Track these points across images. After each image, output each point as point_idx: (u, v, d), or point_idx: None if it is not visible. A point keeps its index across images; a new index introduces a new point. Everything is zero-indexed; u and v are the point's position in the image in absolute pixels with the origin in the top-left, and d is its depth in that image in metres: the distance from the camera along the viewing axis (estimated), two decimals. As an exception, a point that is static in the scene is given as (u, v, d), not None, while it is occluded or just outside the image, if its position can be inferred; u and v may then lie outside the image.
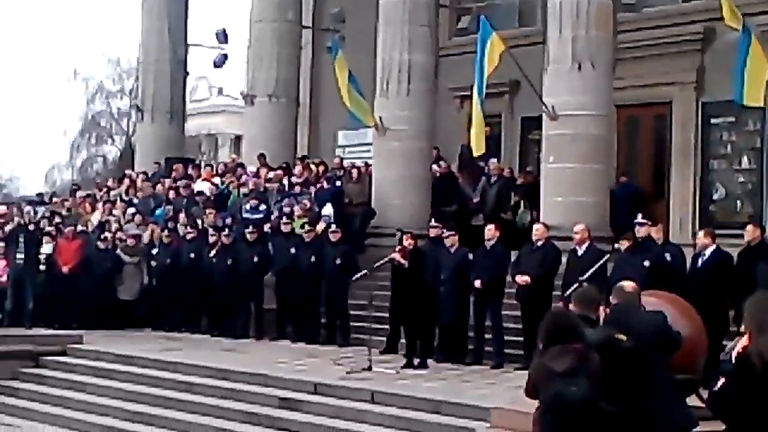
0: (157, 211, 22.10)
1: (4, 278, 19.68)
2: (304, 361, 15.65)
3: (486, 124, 18.31)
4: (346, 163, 22.59)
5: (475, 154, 18.74)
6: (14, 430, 14.58)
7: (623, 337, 7.16)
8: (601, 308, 7.70)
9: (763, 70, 15.41)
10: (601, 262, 14.02)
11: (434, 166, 21.22)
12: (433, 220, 17.64)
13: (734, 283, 13.10)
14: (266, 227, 19.58)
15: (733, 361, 6.44)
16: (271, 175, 21.71)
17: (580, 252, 14.80)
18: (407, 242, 15.37)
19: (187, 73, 28.70)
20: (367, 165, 21.62)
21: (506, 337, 15.20)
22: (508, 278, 15.38)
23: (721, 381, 6.37)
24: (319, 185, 21.16)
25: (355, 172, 21.26)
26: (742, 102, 15.65)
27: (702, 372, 8.53)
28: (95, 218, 22.42)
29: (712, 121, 20.98)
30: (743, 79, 15.42)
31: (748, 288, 10.03)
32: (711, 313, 11.17)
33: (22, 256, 19.98)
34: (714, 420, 6.63)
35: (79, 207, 23.30)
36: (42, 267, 19.83)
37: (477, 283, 15.16)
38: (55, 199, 24.96)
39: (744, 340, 6.47)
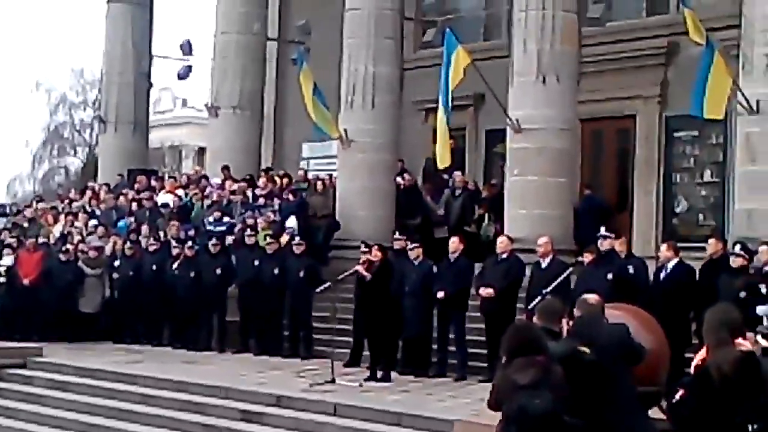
0: (120, 223, 21.93)
1: (-35, 290, 19.50)
2: (266, 374, 15.59)
3: (450, 137, 18.31)
4: (310, 175, 22.51)
5: (440, 166, 18.78)
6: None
7: (586, 350, 7.16)
8: (564, 321, 7.69)
9: (725, 84, 15.51)
10: (565, 274, 14.04)
11: (399, 179, 21.21)
12: (397, 232, 17.62)
13: (696, 296, 13.17)
14: (229, 239, 19.49)
15: (692, 372, 6.48)
16: (234, 187, 21.61)
17: (543, 265, 14.83)
18: (375, 255, 15.31)
19: (151, 85, 28.60)
20: (331, 177, 21.57)
21: (470, 350, 15.18)
22: (472, 291, 15.37)
23: (680, 392, 6.38)
24: (284, 197, 21.05)
25: (319, 184, 21.21)
26: (701, 115, 15.74)
27: (665, 384, 8.55)
28: (57, 230, 22.24)
29: (675, 134, 21.09)
30: (704, 92, 15.50)
31: (711, 301, 10.07)
32: (673, 325, 11.24)
33: (-17, 268, 19.81)
34: (675, 432, 6.64)
35: (41, 219, 23.11)
36: (2, 279, 19.66)
37: (440, 295, 15.14)
38: (16, 209, 24.77)
39: (702, 353, 6.50)
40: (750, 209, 15.75)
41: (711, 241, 14.42)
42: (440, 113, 17.71)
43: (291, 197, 20.91)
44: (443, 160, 18.09)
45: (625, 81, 21.31)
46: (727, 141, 19.81)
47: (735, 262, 13.31)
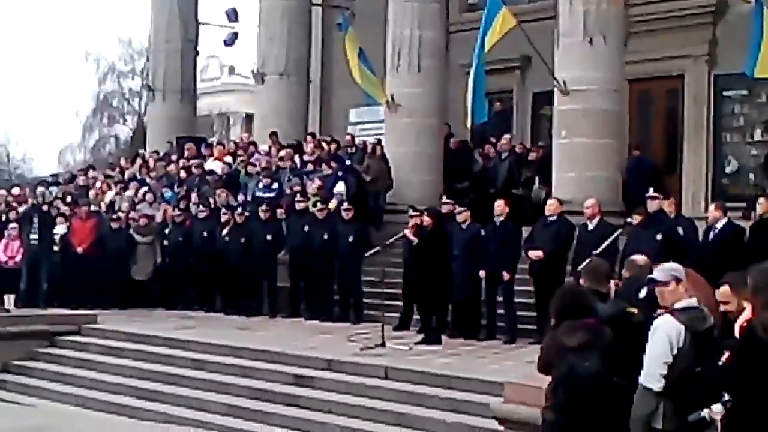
0: (167, 194, 21.98)
1: (19, 259, 19.73)
2: (317, 338, 15.70)
3: (498, 99, 18.17)
4: (358, 140, 22.51)
5: (467, 125, 18.57)
6: (30, 409, 14.62)
7: (635, 310, 7.17)
8: (612, 282, 7.71)
9: (775, 42, 15.35)
10: (614, 236, 14.01)
11: (452, 140, 21.19)
12: (444, 196, 17.62)
13: (746, 256, 13.08)
14: (280, 208, 19.55)
15: (737, 334, 6.37)
16: (282, 153, 21.67)
17: (590, 227, 14.79)
18: (425, 220, 15.30)
19: (198, 53, 28.69)
20: (380, 142, 21.52)
21: (519, 313, 15.22)
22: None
23: (726, 355, 6.27)
24: (333, 163, 21.02)
25: (378, 149, 21.10)
26: (753, 75, 15.57)
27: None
28: (108, 198, 22.44)
29: (725, 94, 20.90)
30: (758, 52, 15.34)
31: (760, 261, 10.01)
32: (723, 286, 11.15)
33: (37, 236, 20.01)
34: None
35: (93, 187, 23.31)
36: (56, 247, 19.86)
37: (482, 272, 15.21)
38: (69, 176, 25.02)
39: (747, 313, 6.38)
40: (801, 168, 15.62)
41: (761, 200, 14.32)
42: (472, 72, 17.44)
43: (340, 163, 20.89)
44: (474, 118, 17.76)
45: (673, 40, 21.09)
46: (777, 100, 19.65)
47: (786, 221, 13.23)
